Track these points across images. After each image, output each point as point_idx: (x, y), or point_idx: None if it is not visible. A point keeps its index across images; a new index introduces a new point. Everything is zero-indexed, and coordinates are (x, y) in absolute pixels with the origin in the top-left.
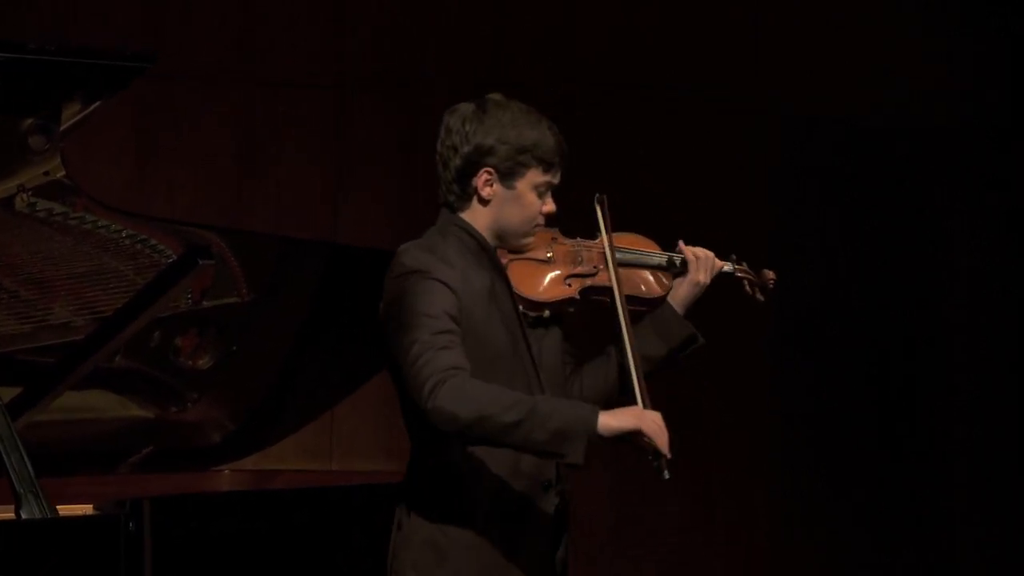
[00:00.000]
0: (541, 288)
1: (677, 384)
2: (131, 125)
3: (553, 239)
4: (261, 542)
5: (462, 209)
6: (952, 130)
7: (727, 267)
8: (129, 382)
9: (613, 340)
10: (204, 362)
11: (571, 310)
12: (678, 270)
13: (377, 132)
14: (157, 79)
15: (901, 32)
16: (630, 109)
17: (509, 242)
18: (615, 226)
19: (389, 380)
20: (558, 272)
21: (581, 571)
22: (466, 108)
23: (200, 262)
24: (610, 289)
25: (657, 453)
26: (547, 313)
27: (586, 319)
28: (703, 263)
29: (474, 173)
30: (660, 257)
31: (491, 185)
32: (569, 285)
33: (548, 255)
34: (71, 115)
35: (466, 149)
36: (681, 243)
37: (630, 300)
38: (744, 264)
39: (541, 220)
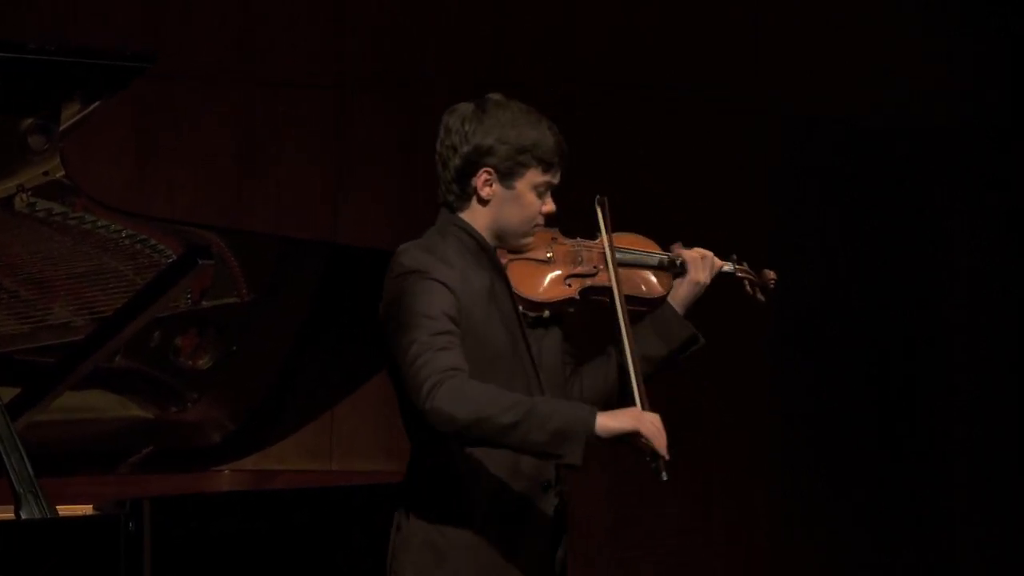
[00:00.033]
0: (541, 288)
1: (677, 385)
2: (131, 125)
3: (553, 239)
4: (261, 542)
5: (461, 209)
6: (952, 130)
7: (727, 267)
8: (129, 382)
9: (613, 340)
10: (204, 362)
11: (571, 310)
12: (678, 270)
13: (377, 132)
14: (157, 79)
15: (901, 32)
16: (630, 109)
17: (509, 242)
18: (615, 226)
19: (389, 380)
20: (558, 272)
21: (579, 572)
22: (466, 108)
23: (200, 262)
24: (610, 289)
25: (655, 455)
26: (547, 313)
27: (586, 319)
28: (703, 263)
29: (473, 173)
30: (660, 257)
31: (490, 185)
32: (569, 285)
33: (548, 255)
34: (71, 115)
35: (465, 149)
36: (676, 246)
37: (630, 300)
38: (745, 264)
39: (541, 220)
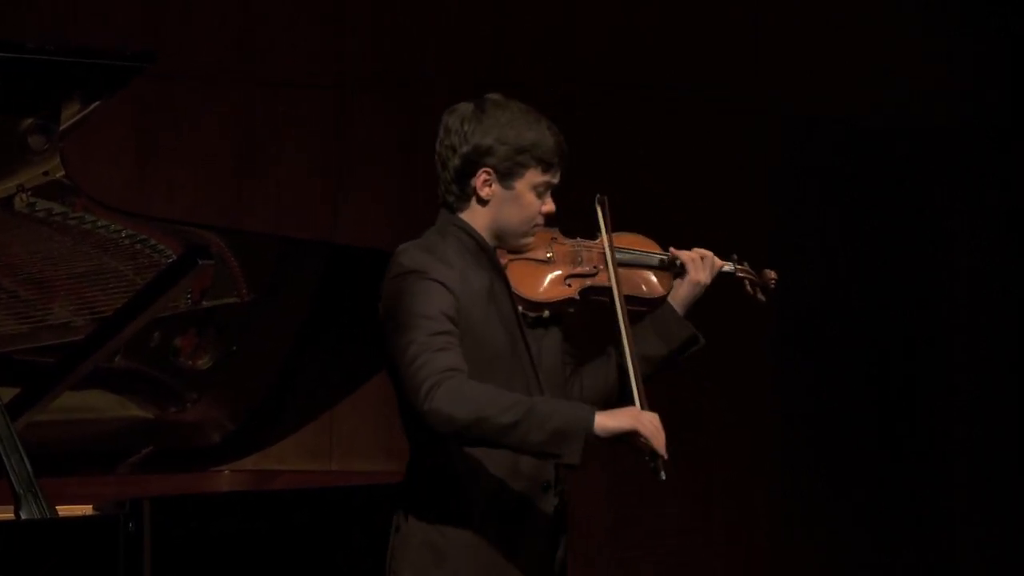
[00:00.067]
0: (541, 288)
1: (678, 385)
2: (131, 125)
3: (553, 239)
4: (261, 542)
5: (461, 209)
6: (952, 130)
7: (728, 267)
8: (129, 382)
9: (613, 341)
10: (204, 362)
11: (571, 310)
12: (678, 270)
13: (377, 132)
14: (157, 79)
15: (901, 32)
16: (630, 109)
17: (508, 242)
18: (615, 225)
19: (388, 380)
20: (558, 272)
21: (580, 572)
22: (465, 108)
23: (200, 262)
24: (610, 289)
25: (654, 454)
26: (547, 313)
27: (586, 319)
28: (703, 263)
29: (473, 173)
30: (660, 257)
31: (490, 185)
32: (569, 285)
33: (548, 255)
34: (70, 115)
35: (465, 149)
36: (672, 249)
37: (630, 300)
38: (745, 264)
39: (540, 220)
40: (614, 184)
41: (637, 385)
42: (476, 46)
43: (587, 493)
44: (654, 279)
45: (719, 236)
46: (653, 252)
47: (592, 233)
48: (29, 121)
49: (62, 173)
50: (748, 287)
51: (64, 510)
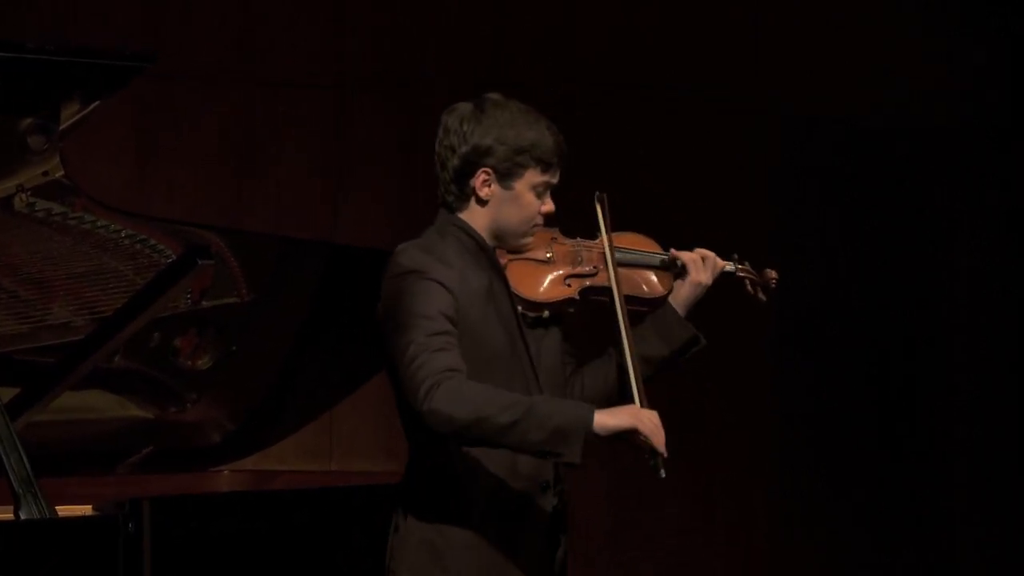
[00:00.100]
0: (540, 289)
1: (679, 386)
2: (131, 125)
3: (553, 239)
4: (261, 543)
5: (460, 209)
6: (952, 130)
7: (729, 267)
8: (128, 382)
9: (613, 340)
10: (203, 362)
11: (571, 310)
12: (679, 271)
13: (377, 132)
14: (157, 79)
15: (901, 32)
16: (630, 109)
17: (508, 242)
18: (615, 225)
19: (388, 380)
20: (558, 272)
21: (579, 573)
22: (464, 108)
23: (199, 262)
24: (610, 289)
25: (654, 452)
26: (546, 313)
27: (586, 319)
28: (705, 264)
29: (472, 173)
30: (661, 257)
31: (489, 185)
32: (568, 285)
33: (548, 255)
34: (70, 115)
35: (464, 149)
36: (674, 250)
37: (631, 300)
38: (746, 263)
39: (540, 220)
40: (614, 184)
41: (637, 383)
42: (476, 46)
43: (587, 494)
44: (655, 279)
45: (719, 236)
46: (654, 252)
47: (592, 233)
48: (29, 121)
49: (62, 173)
50: (749, 287)
51: (64, 510)
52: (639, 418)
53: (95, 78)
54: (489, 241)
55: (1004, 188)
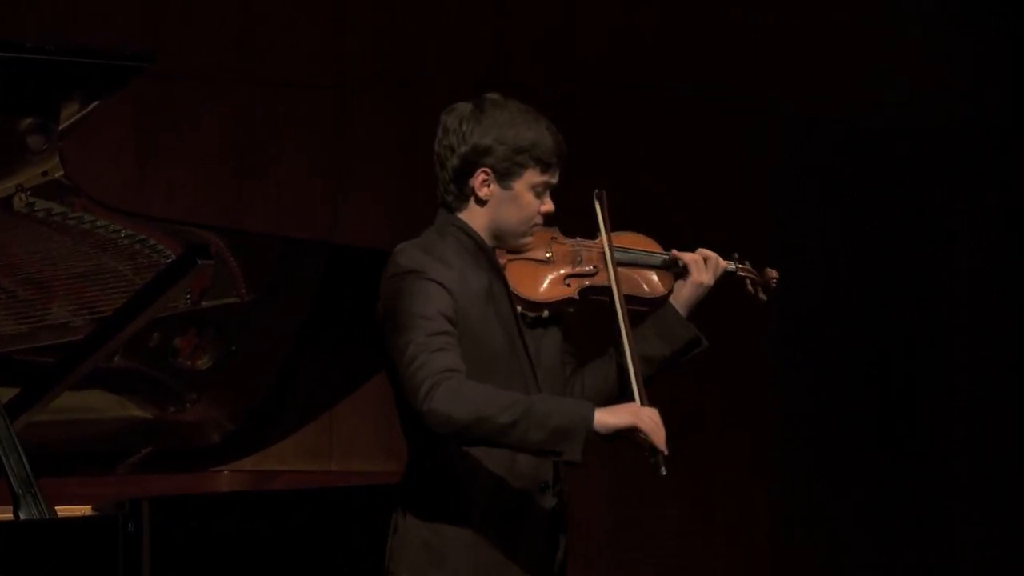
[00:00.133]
0: (540, 288)
1: (679, 386)
2: (131, 125)
3: (553, 239)
4: (261, 543)
5: (460, 209)
6: (952, 130)
7: (729, 266)
8: (128, 382)
9: (613, 340)
10: (203, 362)
11: (570, 310)
12: (680, 271)
13: (377, 132)
14: (157, 79)
15: (901, 32)
16: (630, 109)
17: (507, 242)
18: (614, 223)
19: (388, 380)
20: (557, 272)
21: (579, 573)
22: (463, 108)
23: (199, 262)
24: (610, 289)
25: (654, 450)
26: (546, 313)
27: (586, 319)
28: (706, 264)
29: (471, 173)
30: (662, 257)
31: (488, 185)
32: (568, 285)
33: (547, 255)
34: (70, 115)
35: (463, 149)
36: (675, 251)
37: (631, 300)
38: (747, 263)
39: (539, 220)
40: (614, 184)
41: (637, 381)
42: (476, 46)
43: (587, 494)
44: (655, 279)
45: (719, 236)
46: (654, 252)
47: (592, 233)
48: (28, 121)
49: (61, 173)
50: (749, 286)
51: (63, 510)
52: (639, 416)
53: (95, 78)
54: (488, 241)
55: (1004, 188)
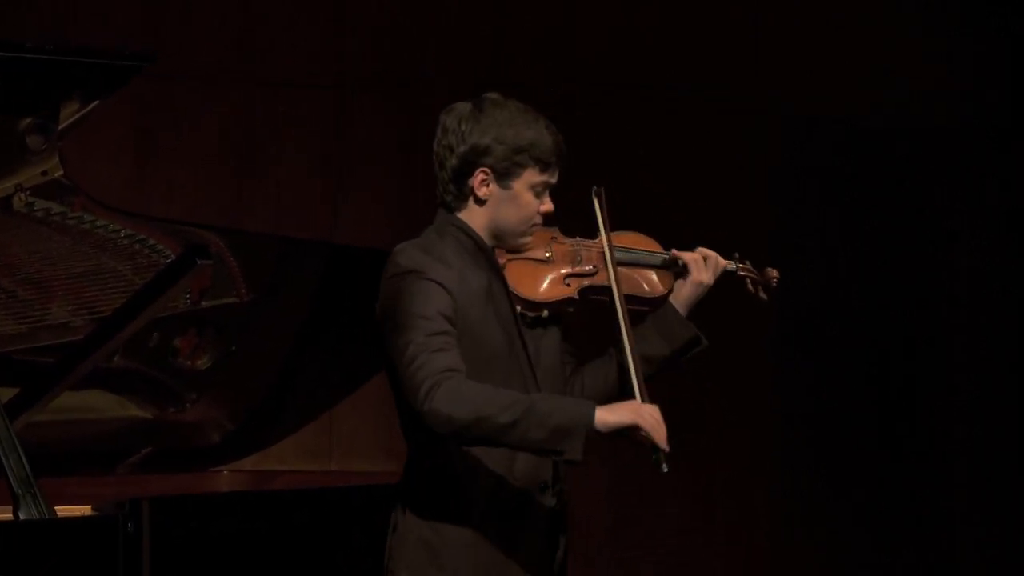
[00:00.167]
0: (540, 288)
1: (679, 385)
2: (131, 124)
3: (553, 238)
4: (260, 543)
5: (459, 209)
6: (952, 130)
7: (730, 266)
8: (128, 382)
9: (613, 339)
10: (203, 362)
11: (570, 310)
12: (680, 270)
13: (377, 132)
14: (157, 79)
15: (901, 32)
16: (630, 109)
17: (507, 242)
18: (613, 222)
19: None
20: (557, 272)
21: (579, 572)
22: (463, 107)
23: (199, 262)
24: (610, 289)
25: (655, 447)
26: (546, 313)
27: (586, 319)
28: (706, 264)
29: (470, 173)
30: (662, 256)
31: (487, 185)
32: (568, 285)
33: (547, 255)
34: (69, 114)
35: (462, 149)
36: (675, 251)
37: (631, 300)
38: (747, 263)
39: (539, 220)
40: (614, 184)
41: (637, 378)
42: (476, 46)
43: (588, 493)
44: (655, 278)
45: (719, 236)
46: (654, 251)
47: (592, 233)
48: (28, 120)
49: (61, 173)
50: (750, 286)
51: (63, 510)
52: (640, 413)
53: (94, 78)
54: (488, 241)
55: (1004, 188)
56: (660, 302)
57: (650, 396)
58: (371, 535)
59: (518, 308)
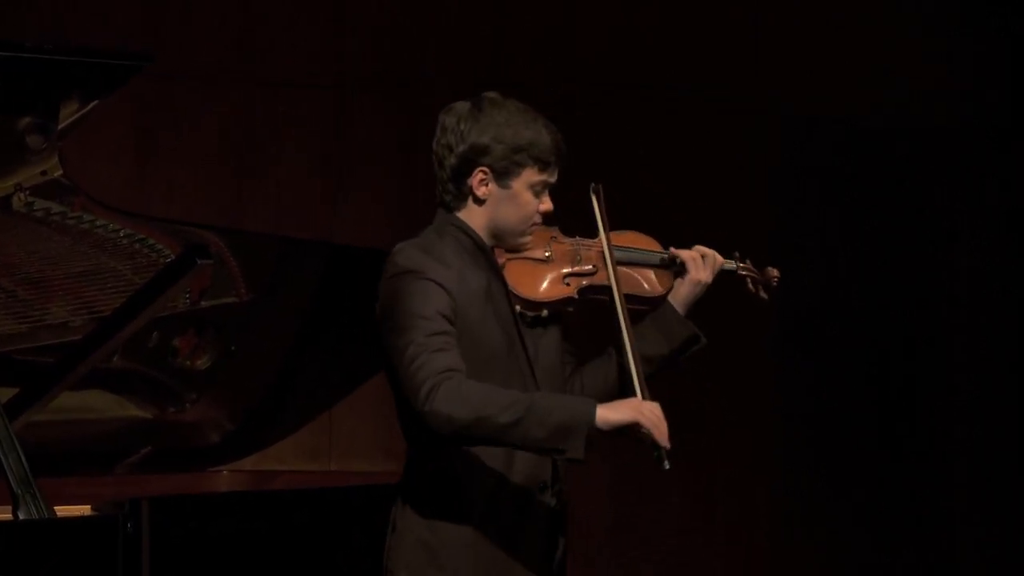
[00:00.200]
0: (539, 288)
1: (680, 385)
2: (131, 124)
3: (552, 238)
4: (260, 543)
5: (458, 208)
6: (952, 130)
7: (729, 265)
8: (127, 382)
9: (613, 339)
10: (202, 362)
11: (570, 309)
12: (679, 269)
13: (377, 132)
14: (157, 79)
15: (901, 32)
16: (630, 109)
17: (506, 241)
18: (612, 220)
19: (387, 380)
20: (556, 271)
21: (579, 572)
22: (462, 107)
23: (198, 262)
24: (609, 288)
25: (656, 444)
26: (545, 313)
27: (585, 318)
28: (704, 262)
29: (469, 172)
30: (661, 255)
31: (486, 184)
32: (567, 284)
33: (547, 254)
34: (69, 114)
35: (461, 148)
36: (673, 248)
37: (630, 299)
38: (748, 262)
39: (538, 219)
40: (614, 184)
41: (638, 376)
42: (476, 46)
43: (588, 492)
44: (654, 278)
45: (719, 236)
46: (653, 251)
47: (591, 232)
48: (27, 120)
49: (60, 172)
50: (750, 285)
51: (62, 510)
52: (640, 411)
53: (94, 77)
54: (487, 240)
55: (1004, 188)
56: (659, 301)
57: (651, 395)
58: (370, 535)
59: (517, 308)
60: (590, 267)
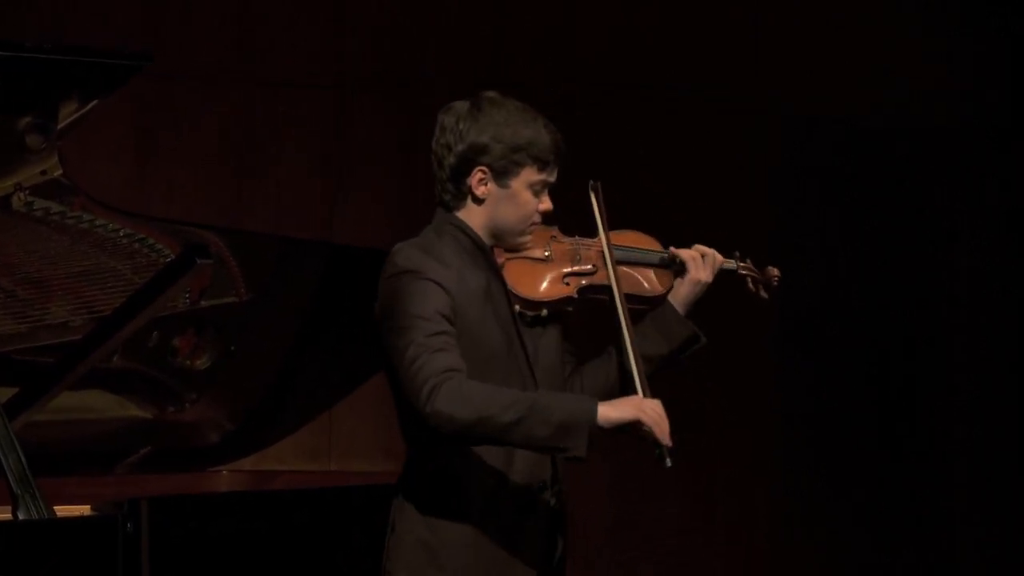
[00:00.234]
0: (539, 287)
1: (680, 385)
2: (130, 124)
3: (552, 237)
4: (260, 543)
5: (457, 208)
6: (952, 130)
7: (730, 264)
8: (127, 382)
9: (613, 339)
10: (202, 362)
11: (569, 309)
12: (679, 268)
13: (377, 132)
14: (157, 79)
15: (901, 32)
16: (630, 109)
17: (506, 241)
18: (611, 220)
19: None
20: (556, 271)
21: (579, 572)
22: (461, 106)
23: (198, 261)
24: (609, 288)
25: (657, 442)
26: (545, 312)
27: (585, 318)
28: (704, 261)
29: (468, 172)
30: (661, 255)
31: (485, 184)
32: (567, 284)
33: (546, 254)
34: (68, 114)
35: (460, 148)
36: (673, 248)
37: (630, 299)
38: (748, 261)
39: (538, 219)
40: (614, 184)
41: (639, 374)
42: (476, 46)
43: (588, 492)
44: (654, 277)
45: (719, 236)
46: (653, 250)
47: (591, 232)
48: (27, 120)
49: (60, 172)
50: (750, 284)
51: (62, 510)
52: (642, 409)
53: (93, 77)
54: (487, 240)
55: (1004, 188)
56: (659, 301)
57: (652, 393)
58: (370, 535)
59: (517, 307)
60: (590, 266)
